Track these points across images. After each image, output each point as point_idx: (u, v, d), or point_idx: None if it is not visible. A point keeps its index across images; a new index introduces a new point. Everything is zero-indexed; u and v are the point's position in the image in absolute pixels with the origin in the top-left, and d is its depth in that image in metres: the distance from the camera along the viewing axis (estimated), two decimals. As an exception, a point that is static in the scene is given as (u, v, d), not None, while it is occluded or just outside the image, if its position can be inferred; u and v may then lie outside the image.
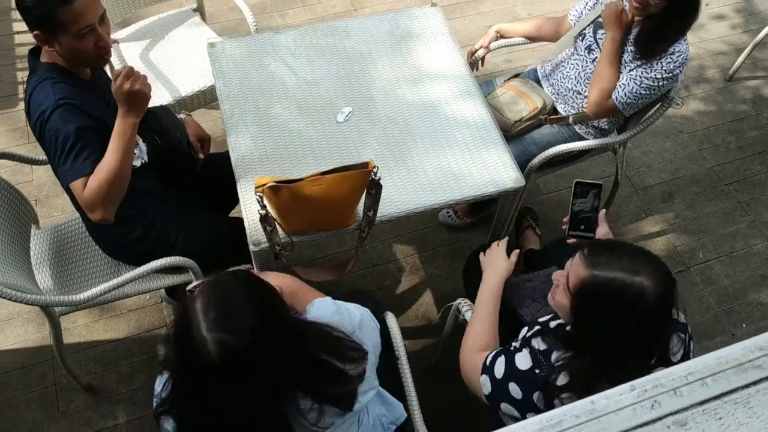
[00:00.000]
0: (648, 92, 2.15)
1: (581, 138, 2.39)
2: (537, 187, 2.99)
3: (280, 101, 2.17)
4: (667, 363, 1.43)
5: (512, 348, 1.54)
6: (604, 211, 1.78)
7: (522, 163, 2.22)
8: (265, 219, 1.75)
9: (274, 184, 1.68)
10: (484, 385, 1.53)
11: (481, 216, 2.79)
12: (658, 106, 2.28)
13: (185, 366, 1.23)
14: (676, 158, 3.18)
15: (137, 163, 1.91)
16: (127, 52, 2.67)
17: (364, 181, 1.76)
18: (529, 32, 2.55)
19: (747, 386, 0.65)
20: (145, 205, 1.99)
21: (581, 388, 1.36)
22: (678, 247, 2.88)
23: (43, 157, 2.21)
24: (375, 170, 1.74)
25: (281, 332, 1.24)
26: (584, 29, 2.31)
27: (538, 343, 1.50)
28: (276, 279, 1.61)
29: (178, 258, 1.97)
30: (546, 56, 2.50)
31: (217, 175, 2.18)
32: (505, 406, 1.49)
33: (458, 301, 1.99)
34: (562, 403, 1.39)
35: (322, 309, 1.49)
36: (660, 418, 0.63)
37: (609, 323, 1.35)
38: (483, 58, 2.55)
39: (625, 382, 1.26)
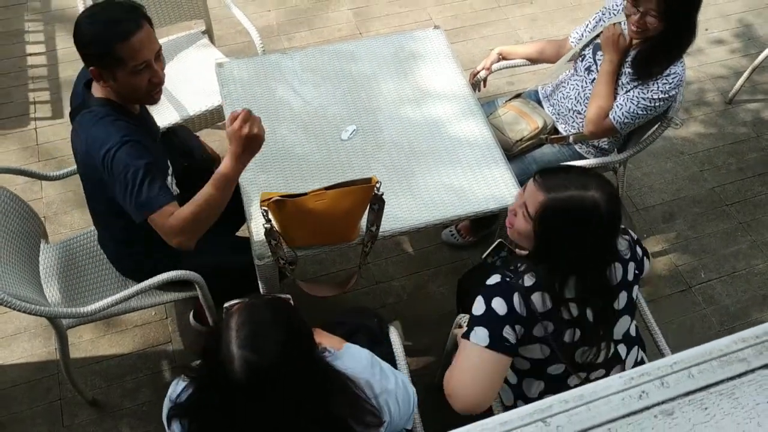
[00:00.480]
0: (645, 112, 2.19)
1: (582, 157, 2.42)
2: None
3: (286, 124, 2.21)
4: (621, 260, 1.61)
5: (490, 286, 1.61)
6: None
7: (523, 182, 2.24)
8: (269, 233, 1.79)
9: (279, 198, 1.72)
10: (478, 337, 1.54)
11: (483, 234, 2.82)
12: (657, 125, 2.32)
13: (211, 378, 1.26)
14: (677, 179, 3.21)
15: (174, 189, 1.95)
16: (136, 72, 2.73)
17: (367, 196, 1.80)
18: (531, 54, 2.60)
19: (732, 378, 0.67)
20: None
21: (547, 285, 1.51)
22: (680, 266, 2.89)
23: (53, 173, 2.27)
24: (378, 185, 1.77)
25: (306, 360, 1.27)
26: (584, 50, 2.37)
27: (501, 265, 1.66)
28: (332, 341, 1.66)
29: (184, 272, 2.00)
30: (546, 77, 2.55)
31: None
32: (507, 332, 1.53)
33: (460, 316, 2.01)
34: (536, 304, 1.52)
35: (356, 359, 1.50)
36: (648, 408, 0.65)
37: (571, 239, 1.49)
38: (485, 80, 2.60)
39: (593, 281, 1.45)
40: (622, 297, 1.62)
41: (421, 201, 2.03)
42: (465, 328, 1.83)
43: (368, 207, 1.85)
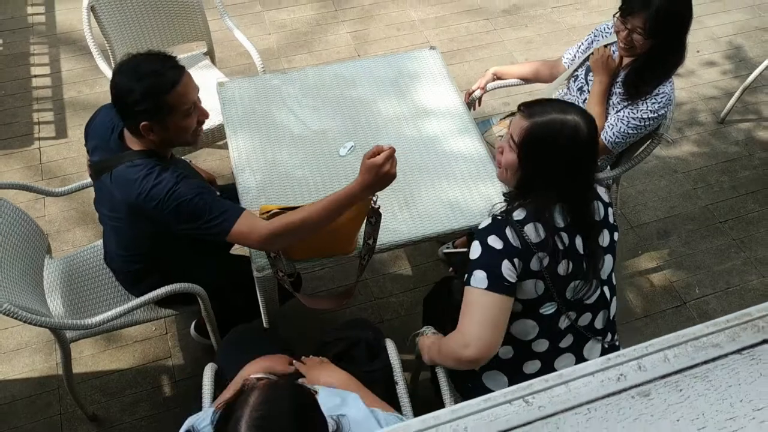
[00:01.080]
0: (635, 131, 2.24)
1: (575, 173, 2.47)
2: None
3: (287, 140, 2.27)
4: (602, 201, 1.71)
5: (483, 229, 1.67)
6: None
7: (518, 197, 2.30)
8: (269, 245, 1.83)
9: (279, 210, 1.77)
10: (477, 280, 1.60)
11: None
12: (648, 142, 2.37)
13: None
14: (670, 197, 3.26)
15: None
16: (139, 92, 2.79)
17: (364, 209, 1.84)
18: (525, 74, 2.66)
19: (706, 362, 0.71)
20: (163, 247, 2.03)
21: (537, 214, 1.59)
22: (674, 282, 2.93)
23: (57, 189, 2.31)
24: (375, 199, 1.82)
25: None
26: (576, 71, 2.43)
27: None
28: (339, 376, 1.69)
29: (186, 285, 2.03)
30: (541, 96, 2.61)
31: None
32: (505, 267, 1.59)
33: (424, 329, 2.01)
34: (526, 236, 1.58)
35: (354, 410, 1.48)
36: (625, 389, 0.69)
37: (555, 161, 1.57)
38: (480, 99, 2.66)
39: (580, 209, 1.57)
40: (605, 235, 1.69)
41: (417, 215, 2.07)
42: (429, 336, 1.88)
43: (365, 220, 1.89)
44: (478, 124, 2.47)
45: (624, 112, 2.24)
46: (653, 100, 2.20)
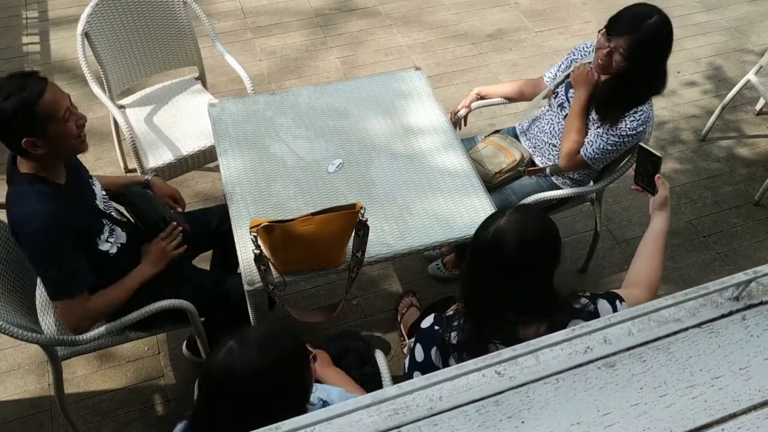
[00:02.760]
0: (614, 148, 2.30)
1: (558, 188, 2.53)
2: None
3: (277, 158, 2.32)
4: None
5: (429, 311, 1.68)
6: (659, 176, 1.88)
7: (503, 211, 2.36)
8: (259, 259, 1.86)
9: (268, 224, 1.81)
10: (407, 363, 1.65)
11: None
12: (627, 158, 2.44)
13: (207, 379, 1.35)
14: (655, 213, 3.32)
15: (113, 249, 2.01)
16: (132, 116, 2.85)
17: (352, 221, 1.88)
18: (509, 94, 2.74)
19: (668, 336, 0.76)
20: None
21: (471, 347, 1.49)
22: (660, 296, 2.96)
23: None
24: (362, 211, 1.86)
25: (287, 384, 1.35)
26: (557, 88, 2.50)
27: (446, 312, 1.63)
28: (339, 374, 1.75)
29: (176, 301, 2.06)
30: (522, 115, 2.69)
31: (206, 234, 2.36)
32: (416, 376, 1.57)
33: (411, 340, 2.05)
34: (449, 363, 1.50)
35: (337, 397, 1.56)
36: (592, 361, 0.73)
37: (482, 268, 1.49)
38: (465, 118, 2.73)
39: (511, 335, 1.41)
40: None
41: (405, 228, 2.11)
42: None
43: (353, 233, 1.93)
44: (463, 142, 2.53)
45: (603, 128, 2.30)
46: (632, 118, 2.26)
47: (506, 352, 0.68)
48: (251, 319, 2.13)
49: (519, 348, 0.69)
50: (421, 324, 1.63)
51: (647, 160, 1.88)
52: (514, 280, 1.46)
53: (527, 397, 0.69)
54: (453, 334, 1.53)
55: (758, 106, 3.86)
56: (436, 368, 1.55)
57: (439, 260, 2.91)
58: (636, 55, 2.14)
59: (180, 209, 2.29)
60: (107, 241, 1.98)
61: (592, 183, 2.57)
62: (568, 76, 2.43)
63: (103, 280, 1.96)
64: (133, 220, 2.17)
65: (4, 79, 1.78)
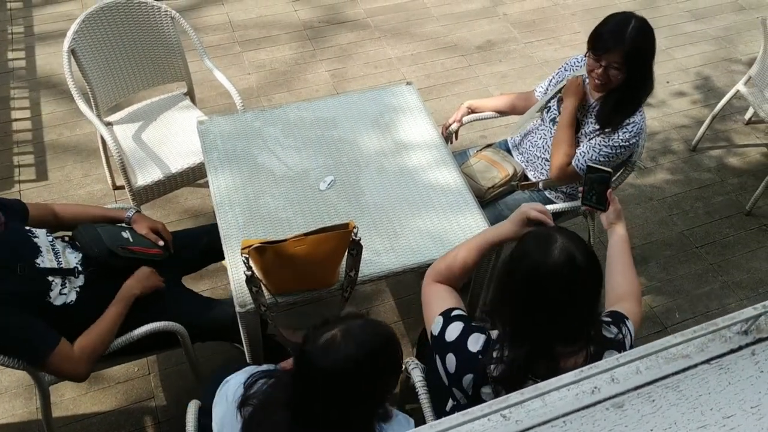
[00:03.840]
0: (606, 159, 2.29)
1: (551, 202, 2.52)
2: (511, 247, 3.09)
3: (267, 176, 2.29)
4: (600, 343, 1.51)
5: (473, 325, 1.58)
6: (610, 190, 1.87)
7: (497, 227, 2.34)
8: (250, 280, 1.83)
9: (260, 245, 1.78)
10: (437, 324, 1.60)
11: (461, 283, 2.87)
12: (622, 170, 2.43)
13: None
14: (647, 224, 3.32)
15: (71, 297, 1.93)
16: (120, 133, 2.82)
17: (345, 241, 1.86)
18: (499, 107, 2.73)
19: (676, 373, 0.73)
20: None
21: (509, 383, 1.44)
22: (655, 308, 2.96)
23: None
24: (355, 231, 1.84)
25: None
26: (549, 102, 2.49)
27: (494, 334, 1.55)
28: None
29: (166, 323, 2.03)
30: (514, 129, 2.67)
31: (195, 254, 2.33)
32: (438, 361, 1.56)
33: (407, 360, 1.99)
34: (484, 396, 1.47)
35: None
36: (600, 402, 0.71)
37: (537, 300, 1.43)
38: (457, 132, 2.72)
39: (553, 367, 1.37)
40: None
41: (398, 246, 2.09)
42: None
43: (347, 252, 1.90)
44: (455, 156, 2.52)
45: (596, 140, 2.30)
46: (625, 130, 2.26)
47: (513, 396, 0.66)
48: (244, 341, 2.10)
49: (526, 392, 0.66)
50: (468, 344, 1.53)
51: (596, 177, 1.87)
52: (571, 310, 1.42)
53: (534, 441, 0.66)
54: (493, 366, 1.48)
55: (747, 116, 3.88)
56: (463, 389, 1.52)
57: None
58: (631, 64, 2.15)
59: (161, 243, 2.21)
60: (61, 293, 1.90)
61: (585, 197, 2.56)
62: (560, 90, 2.42)
63: (79, 325, 1.91)
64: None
65: None
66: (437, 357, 1.58)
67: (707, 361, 0.74)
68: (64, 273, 1.93)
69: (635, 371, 0.73)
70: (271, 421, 1.43)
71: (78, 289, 1.95)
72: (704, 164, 3.64)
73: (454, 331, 1.57)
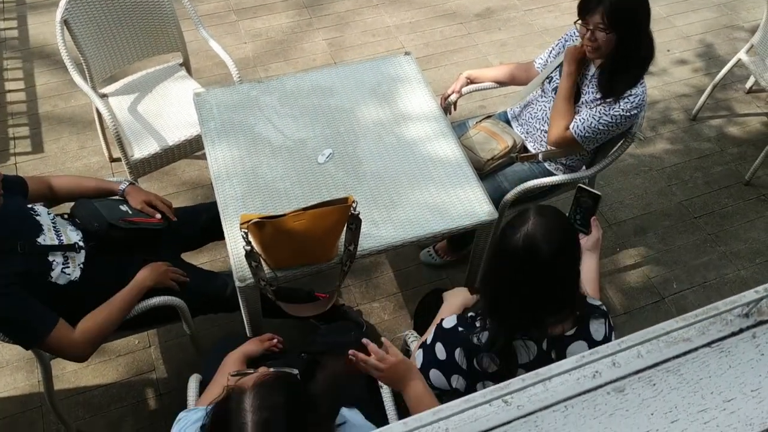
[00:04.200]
0: (606, 128, 2.28)
1: (551, 174, 2.51)
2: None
3: (265, 149, 2.27)
4: (590, 341, 1.54)
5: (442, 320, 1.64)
6: (595, 217, 1.88)
7: (496, 199, 2.33)
8: (250, 255, 1.83)
9: (259, 220, 1.77)
10: (418, 358, 1.64)
11: (461, 254, 2.88)
12: (621, 141, 2.41)
13: None
14: (646, 194, 3.31)
15: (76, 274, 1.92)
16: (115, 105, 2.79)
17: (344, 215, 1.85)
18: (499, 78, 2.70)
19: (677, 356, 0.73)
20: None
21: (500, 346, 1.48)
22: (653, 278, 2.97)
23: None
24: (354, 205, 1.83)
25: None
26: (552, 72, 2.46)
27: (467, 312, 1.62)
28: None
29: (166, 298, 2.03)
30: (515, 100, 2.65)
31: (196, 231, 2.32)
32: (433, 374, 1.58)
33: (406, 332, 2.06)
34: (481, 362, 1.50)
35: (355, 418, 1.50)
36: (601, 386, 0.71)
37: (512, 274, 1.47)
38: (455, 103, 2.69)
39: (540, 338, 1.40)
40: None
41: (397, 220, 2.09)
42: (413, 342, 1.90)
43: (345, 227, 1.90)
44: (454, 128, 2.50)
45: (596, 109, 2.28)
46: (626, 101, 2.23)
47: (515, 382, 0.66)
48: (244, 315, 2.11)
49: (528, 377, 0.67)
50: (443, 324, 1.61)
51: (586, 198, 1.87)
52: (546, 281, 1.45)
53: (536, 426, 0.67)
54: (479, 334, 1.52)
55: (748, 84, 3.84)
56: (460, 368, 1.54)
57: (431, 247, 2.89)
58: (615, 23, 2.12)
59: (158, 215, 2.17)
60: (63, 272, 1.89)
61: (584, 168, 2.55)
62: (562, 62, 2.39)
63: (86, 301, 1.90)
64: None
65: None
66: (431, 372, 1.62)
67: (708, 345, 0.74)
68: (65, 249, 1.93)
69: (636, 355, 0.73)
70: None
71: (81, 265, 1.95)
72: (704, 134, 3.62)
73: (429, 335, 1.64)
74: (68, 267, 1.91)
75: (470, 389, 1.56)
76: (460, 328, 1.56)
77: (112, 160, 3.18)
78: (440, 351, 1.58)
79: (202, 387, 1.86)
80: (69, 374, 2.51)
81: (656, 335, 0.71)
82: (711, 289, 2.95)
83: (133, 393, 2.49)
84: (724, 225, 3.20)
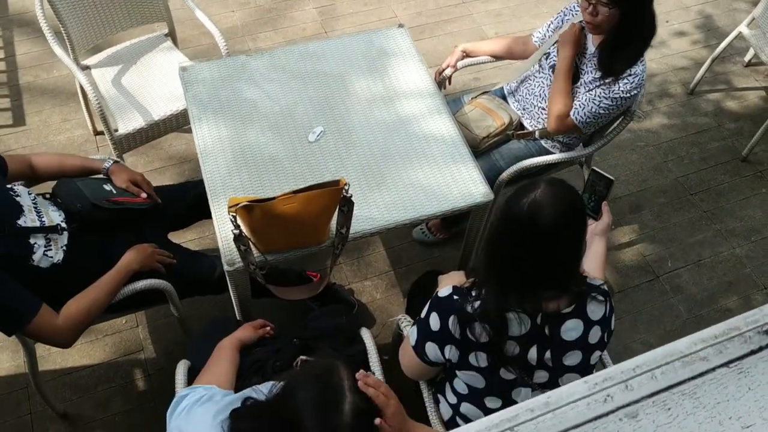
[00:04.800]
0: (606, 111, 2.22)
1: (548, 152, 2.45)
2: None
3: (253, 126, 2.20)
4: (586, 320, 1.50)
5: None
6: (606, 202, 1.84)
7: (491, 178, 2.28)
8: (238, 239, 1.77)
9: (248, 203, 1.71)
10: (411, 335, 1.61)
11: (454, 231, 2.84)
12: (620, 119, 2.36)
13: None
14: (642, 170, 3.26)
15: (59, 257, 1.86)
16: (99, 77, 2.69)
17: (336, 198, 1.79)
18: (496, 52, 2.61)
19: (693, 378, 0.69)
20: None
21: (489, 317, 1.45)
22: (647, 256, 2.94)
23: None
24: (346, 188, 1.77)
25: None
26: (549, 49, 2.38)
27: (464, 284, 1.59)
28: None
29: (153, 281, 1.97)
30: (512, 75, 2.57)
31: (183, 210, 2.25)
32: (428, 347, 1.56)
33: (399, 317, 2.03)
34: (474, 331, 1.47)
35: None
36: (612, 411, 0.66)
37: (513, 242, 1.42)
38: (450, 77, 2.61)
39: (536, 307, 1.39)
40: (575, 355, 1.51)
41: (390, 201, 2.03)
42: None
43: (337, 209, 1.84)
44: (448, 103, 2.43)
45: (596, 92, 2.21)
46: (626, 81, 2.17)
47: (523, 414, 0.61)
48: (233, 299, 2.06)
49: (536, 408, 0.62)
50: (438, 293, 1.57)
51: (599, 182, 1.83)
52: (546, 254, 1.40)
53: (543, 455, 0.62)
54: (474, 303, 1.48)
55: (747, 57, 3.78)
56: (453, 338, 1.50)
57: (423, 225, 2.84)
58: None
59: (144, 195, 2.09)
60: (46, 255, 1.82)
61: (581, 146, 2.49)
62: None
63: (70, 284, 1.83)
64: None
65: None
66: (426, 346, 1.59)
67: (726, 364, 0.69)
68: (47, 231, 1.86)
69: (650, 376, 0.68)
70: None
71: (64, 247, 1.88)
72: (701, 108, 3.57)
73: (423, 309, 1.61)
74: (50, 249, 1.84)
75: (463, 360, 1.52)
76: (455, 296, 1.52)
77: (97, 133, 3.09)
78: (434, 321, 1.54)
79: (190, 373, 1.81)
80: (55, 355, 2.46)
81: (673, 359, 0.66)
82: (705, 267, 2.92)
83: (121, 373, 2.45)
84: (720, 202, 3.17)
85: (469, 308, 1.49)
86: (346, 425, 1.17)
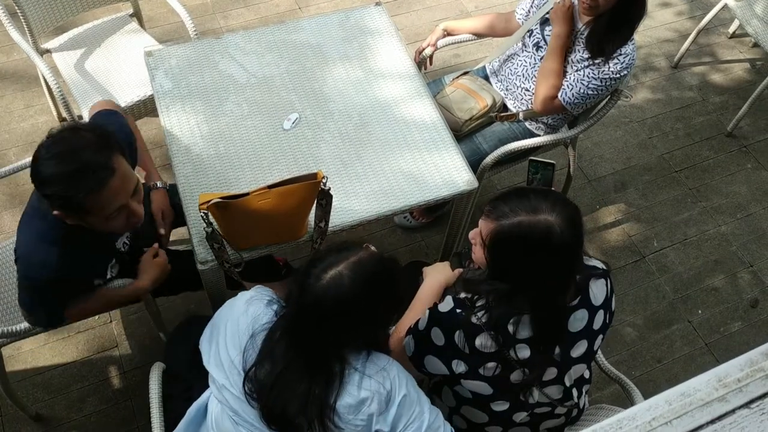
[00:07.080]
0: (595, 92, 2.14)
1: (532, 134, 2.37)
2: (492, 183, 2.97)
3: (225, 114, 2.08)
4: (590, 308, 1.48)
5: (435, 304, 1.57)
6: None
7: (474, 162, 2.20)
8: (211, 236, 1.68)
9: (219, 200, 1.61)
10: (408, 345, 1.55)
11: (436, 215, 2.76)
12: (607, 99, 2.28)
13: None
14: (627, 147, 3.20)
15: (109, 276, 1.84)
16: (61, 62, 2.55)
17: (313, 192, 1.70)
18: (478, 29, 2.51)
19: (712, 421, 0.62)
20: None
21: (498, 325, 1.41)
22: (633, 236, 2.89)
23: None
24: (324, 180, 1.68)
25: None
26: (533, 27, 2.29)
27: (460, 293, 1.53)
28: None
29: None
30: (494, 53, 2.48)
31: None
32: (429, 360, 1.50)
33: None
34: (483, 343, 1.43)
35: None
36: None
37: (524, 265, 1.39)
38: (431, 57, 2.51)
39: (549, 322, 1.35)
40: (581, 345, 1.49)
41: (370, 189, 1.94)
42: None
43: (315, 203, 1.75)
44: (429, 84, 2.33)
45: (584, 72, 2.13)
46: (616, 61, 2.09)
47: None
48: (208, 297, 1.97)
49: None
50: (438, 308, 1.50)
51: (540, 170, 1.84)
52: (564, 267, 1.40)
53: None
54: (479, 314, 1.43)
55: (731, 29, 3.71)
56: (461, 353, 1.45)
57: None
58: None
59: (162, 231, 1.96)
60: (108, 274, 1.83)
61: (566, 128, 2.42)
62: (547, 13, 2.21)
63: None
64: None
65: (73, 134, 1.47)
66: (426, 359, 1.53)
67: (746, 405, 0.63)
68: (121, 256, 1.87)
69: (665, 422, 0.61)
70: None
71: (114, 274, 1.87)
72: (686, 82, 3.50)
73: (422, 321, 1.54)
74: (112, 273, 1.85)
75: (472, 372, 1.47)
76: (458, 310, 1.47)
77: (62, 119, 2.95)
78: (437, 336, 1.47)
79: (165, 375, 1.73)
80: (25, 354, 2.36)
81: (692, 408, 0.59)
82: (691, 246, 2.88)
83: (95, 371, 2.36)
84: (705, 179, 3.12)
85: (474, 319, 1.43)
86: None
